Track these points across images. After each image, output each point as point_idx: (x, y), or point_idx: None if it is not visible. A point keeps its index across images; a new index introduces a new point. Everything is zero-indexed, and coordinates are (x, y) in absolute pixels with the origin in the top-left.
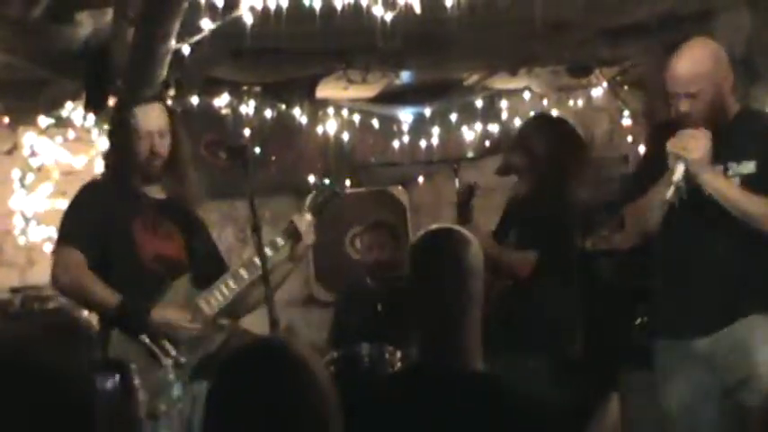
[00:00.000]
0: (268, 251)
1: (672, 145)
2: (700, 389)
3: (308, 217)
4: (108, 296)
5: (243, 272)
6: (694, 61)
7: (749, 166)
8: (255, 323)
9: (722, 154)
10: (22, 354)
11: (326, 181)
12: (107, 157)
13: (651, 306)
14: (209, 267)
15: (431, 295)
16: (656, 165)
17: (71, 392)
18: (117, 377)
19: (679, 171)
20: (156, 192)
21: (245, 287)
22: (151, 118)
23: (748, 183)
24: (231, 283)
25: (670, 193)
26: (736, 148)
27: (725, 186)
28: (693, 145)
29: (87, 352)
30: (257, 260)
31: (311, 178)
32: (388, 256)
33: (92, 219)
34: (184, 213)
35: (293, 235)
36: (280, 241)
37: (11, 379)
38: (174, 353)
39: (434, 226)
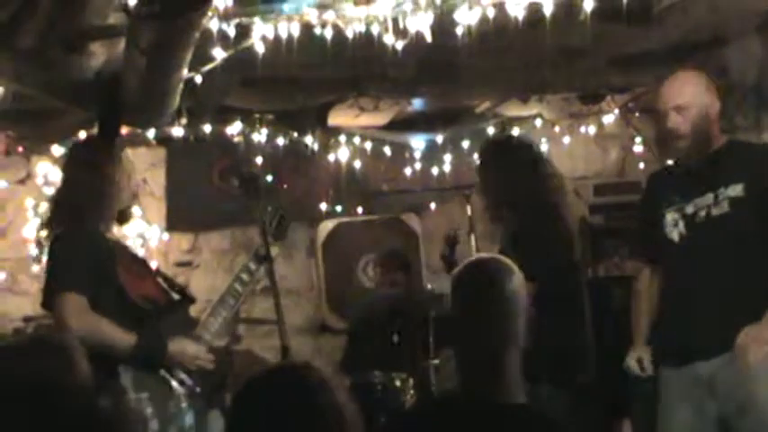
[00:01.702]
0: (244, 276)
1: (741, 341)
2: (700, 414)
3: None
4: (124, 336)
5: (230, 299)
6: (683, 79)
7: (737, 189)
8: (267, 350)
9: (711, 181)
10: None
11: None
12: (68, 201)
13: (655, 334)
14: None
15: (474, 326)
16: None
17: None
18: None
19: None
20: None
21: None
22: (130, 164)
23: (737, 204)
24: (222, 311)
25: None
26: (726, 174)
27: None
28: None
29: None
30: (237, 285)
31: (323, 205)
32: (401, 287)
33: (83, 264)
34: (139, 258)
35: (263, 260)
36: (252, 266)
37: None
38: (190, 383)
39: (477, 255)
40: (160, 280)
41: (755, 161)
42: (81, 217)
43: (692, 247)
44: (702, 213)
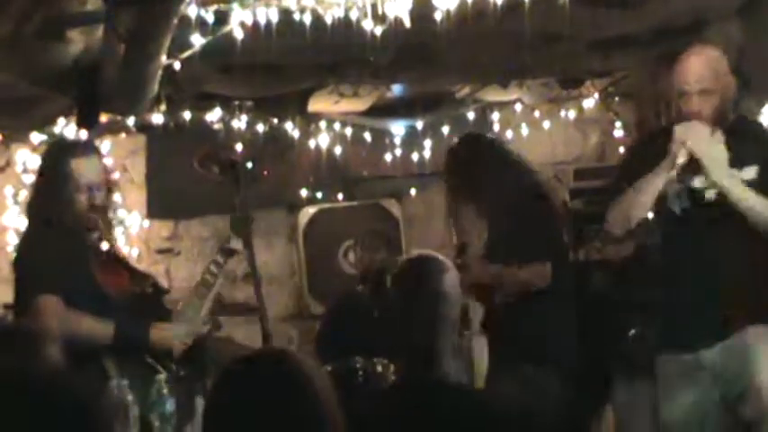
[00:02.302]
0: (213, 268)
1: (679, 131)
2: (702, 402)
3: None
4: (101, 327)
5: (202, 290)
6: (708, 60)
7: (751, 172)
8: (249, 337)
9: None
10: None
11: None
12: (36, 206)
13: (653, 319)
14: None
15: (409, 319)
16: (634, 176)
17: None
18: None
19: (681, 157)
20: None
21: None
22: (89, 170)
23: (751, 187)
24: (195, 300)
25: (672, 176)
26: (737, 156)
27: (735, 184)
28: (700, 136)
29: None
30: (207, 277)
31: (303, 192)
32: (381, 263)
33: (51, 264)
34: (113, 253)
35: (230, 253)
36: (220, 258)
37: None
38: (174, 367)
39: (415, 253)
40: (129, 272)
41: None
42: (50, 214)
43: (699, 224)
44: (713, 192)
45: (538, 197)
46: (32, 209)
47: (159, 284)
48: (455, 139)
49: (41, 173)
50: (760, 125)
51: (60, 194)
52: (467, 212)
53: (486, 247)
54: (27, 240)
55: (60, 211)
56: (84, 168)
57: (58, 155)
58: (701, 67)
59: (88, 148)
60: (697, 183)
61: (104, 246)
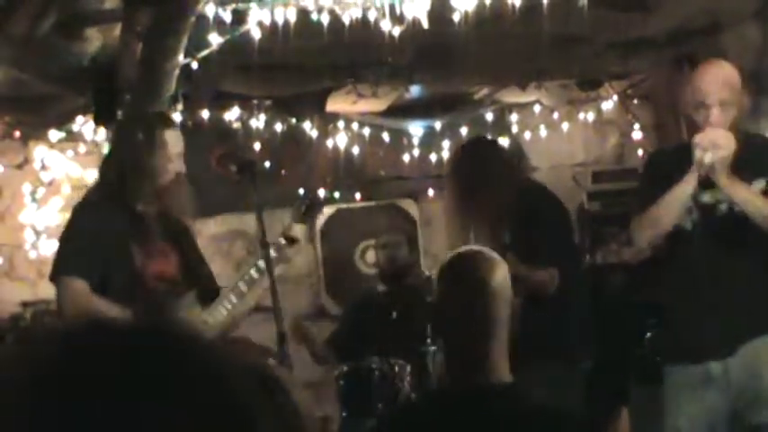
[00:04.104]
0: (254, 273)
1: (700, 139)
2: (709, 414)
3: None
4: (118, 315)
5: (242, 285)
6: (726, 74)
7: (760, 185)
8: (265, 337)
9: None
10: None
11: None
12: (108, 172)
13: (665, 326)
14: (205, 286)
15: (457, 318)
16: (659, 186)
17: None
18: None
19: (707, 159)
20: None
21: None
22: (178, 142)
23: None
24: (233, 297)
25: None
26: (748, 170)
27: (746, 190)
28: (723, 142)
29: None
30: (253, 273)
31: (321, 192)
32: (402, 262)
33: (90, 243)
34: (175, 225)
35: (291, 241)
36: (261, 264)
37: None
38: None
39: (464, 248)
40: (183, 257)
41: None
42: (111, 189)
43: (710, 239)
44: (724, 206)
45: (545, 200)
46: (108, 177)
47: (211, 280)
48: (463, 143)
49: (124, 141)
50: (764, 138)
51: (151, 164)
52: (471, 218)
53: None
54: (72, 217)
55: (144, 184)
56: (174, 139)
57: (151, 125)
58: (719, 79)
59: (173, 121)
60: (707, 197)
61: (152, 212)
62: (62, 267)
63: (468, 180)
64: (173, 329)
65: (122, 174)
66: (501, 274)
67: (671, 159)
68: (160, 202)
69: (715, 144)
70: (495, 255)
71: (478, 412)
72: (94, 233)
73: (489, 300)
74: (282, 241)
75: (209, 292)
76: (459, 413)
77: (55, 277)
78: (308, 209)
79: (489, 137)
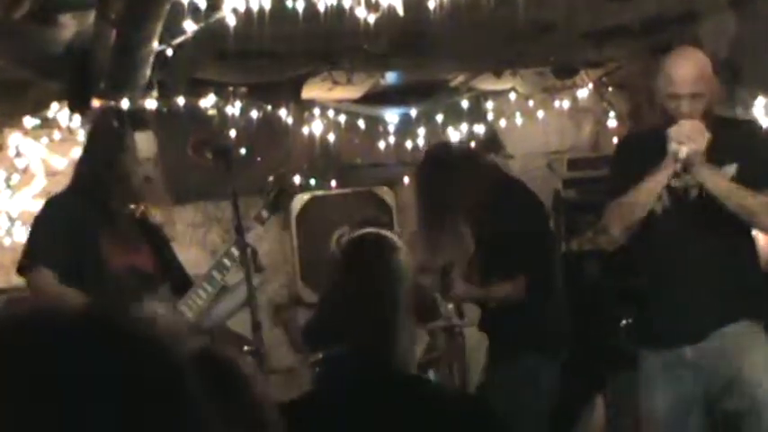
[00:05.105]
0: (226, 261)
1: (675, 132)
2: (685, 398)
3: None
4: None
5: (216, 274)
6: (697, 63)
7: (731, 170)
8: (240, 326)
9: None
10: None
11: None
12: (82, 168)
13: (637, 312)
14: (178, 280)
15: (359, 299)
16: (630, 171)
17: None
18: None
19: (682, 153)
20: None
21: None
22: (150, 146)
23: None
24: (207, 287)
25: (670, 177)
26: (718, 154)
27: (720, 178)
28: (697, 135)
29: None
30: (226, 261)
31: (297, 179)
32: None
33: (59, 235)
34: (150, 227)
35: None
36: (234, 252)
37: None
38: None
39: (365, 230)
40: (156, 251)
41: (747, 141)
42: (84, 184)
43: (681, 224)
44: (695, 191)
45: (513, 200)
46: (81, 176)
47: (183, 273)
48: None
49: (98, 139)
50: (739, 123)
51: (120, 166)
52: (444, 226)
53: (471, 263)
54: (43, 209)
55: (115, 183)
56: (145, 143)
57: (122, 124)
58: (691, 70)
59: (146, 122)
60: (677, 182)
61: (127, 210)
62: (30, 258)
63: (433, 197)
64: (116, 315)
65: (95, 171)
66: (400, 256)
67: (640, 145)
68: (136, 206)
69: (689, 137)
70: (394, 237)
71: (379, 399)
72: (64, 224)
73: (390, 281)
74: (255, 224)
75: (182, 285)
76: (360, 400)
77: (22, 268)
78: (277, 196)
79: (451, 141)
